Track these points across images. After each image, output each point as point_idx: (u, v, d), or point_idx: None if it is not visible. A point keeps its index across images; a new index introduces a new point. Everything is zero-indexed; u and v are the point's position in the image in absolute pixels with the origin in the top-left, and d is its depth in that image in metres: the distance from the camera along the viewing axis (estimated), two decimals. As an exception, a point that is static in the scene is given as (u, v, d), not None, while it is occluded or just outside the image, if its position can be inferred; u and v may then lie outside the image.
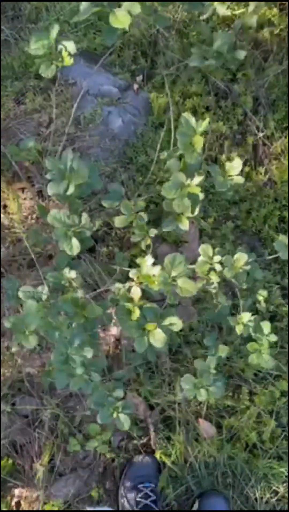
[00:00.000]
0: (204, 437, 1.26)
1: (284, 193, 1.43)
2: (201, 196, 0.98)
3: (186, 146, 1.00)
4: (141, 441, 1.26)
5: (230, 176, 1.07)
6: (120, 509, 1.22)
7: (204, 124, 0.98)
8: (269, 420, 1.26)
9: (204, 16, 1.44)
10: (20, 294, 0.90)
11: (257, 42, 1.55)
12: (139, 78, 1.52)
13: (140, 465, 1.24)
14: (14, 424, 1.20)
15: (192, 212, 0.99)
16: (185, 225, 1.02)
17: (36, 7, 1.61)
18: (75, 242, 0.91)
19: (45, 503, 1.18)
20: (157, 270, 0.89)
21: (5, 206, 1.40)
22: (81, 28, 1.56)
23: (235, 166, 1.07)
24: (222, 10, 1.42)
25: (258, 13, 1.46)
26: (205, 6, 1.19)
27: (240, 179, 1.07)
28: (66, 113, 1.41)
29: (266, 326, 1.06)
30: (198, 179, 0.97)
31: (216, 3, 1.41)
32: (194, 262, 1.01)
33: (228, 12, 1.52)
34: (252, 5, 1.45)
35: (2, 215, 1.38)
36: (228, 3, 1.45)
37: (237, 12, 1.51)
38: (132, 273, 0.93)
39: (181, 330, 1.25)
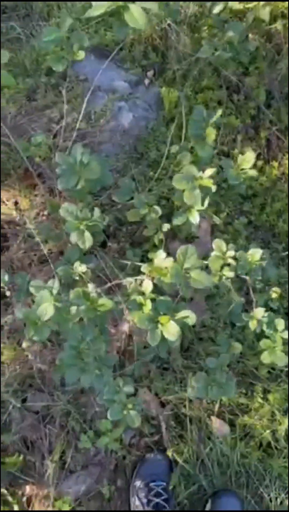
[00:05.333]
0: (217, 435, 1.24)
1: (298, 188, 1.40)
2: (213, 188, 0.96)
3: (198, 138, 0.99)
4: (153, 439, 1.25)
5: (242, 169, 1.06)
6: (131, 507, 1.21)
7: (216, 116, 0.97)
8: (283, 418, 1.24)
9: (216, 10, 1.43)
10: (31, 288, 0.90)
11: (270, 35, 1.52)
12: (150, 73, 1.51)
13: (152, 463, 1.23)
14: (25, 420, 1.20)
15: (202, 204, 0.98)
16: (195, 218, 1.00)
17: (48, 5, 1.61)
18: (87, 235, 0.91)
19: (55, 500, 1.17)
20: (169, 262, 0.88)
21: (16, 203, 1.40)
22: (92, 24, 1.56)
23: (247, 159, 1.06)
24: (234, 3, 1.41)
25: (270, 6, 1.44)
26: (217, -2, 1.18)
27: (253, 172, 1.05)
28: (77, 109, 1.41)
29: (280, 322, 1.04)
30: (209, 171, 0.96)
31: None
32: (205, 257, 0.99)
33: (240, 6, 1.50)
34: (265, -3, 1.43)
35: (14, 212, 1.38)
36: (241, -5, 1.43)
37: (249, 5, 1.49)
38: (144, 267, 0.92)
39: (193, 326, 1.24)
